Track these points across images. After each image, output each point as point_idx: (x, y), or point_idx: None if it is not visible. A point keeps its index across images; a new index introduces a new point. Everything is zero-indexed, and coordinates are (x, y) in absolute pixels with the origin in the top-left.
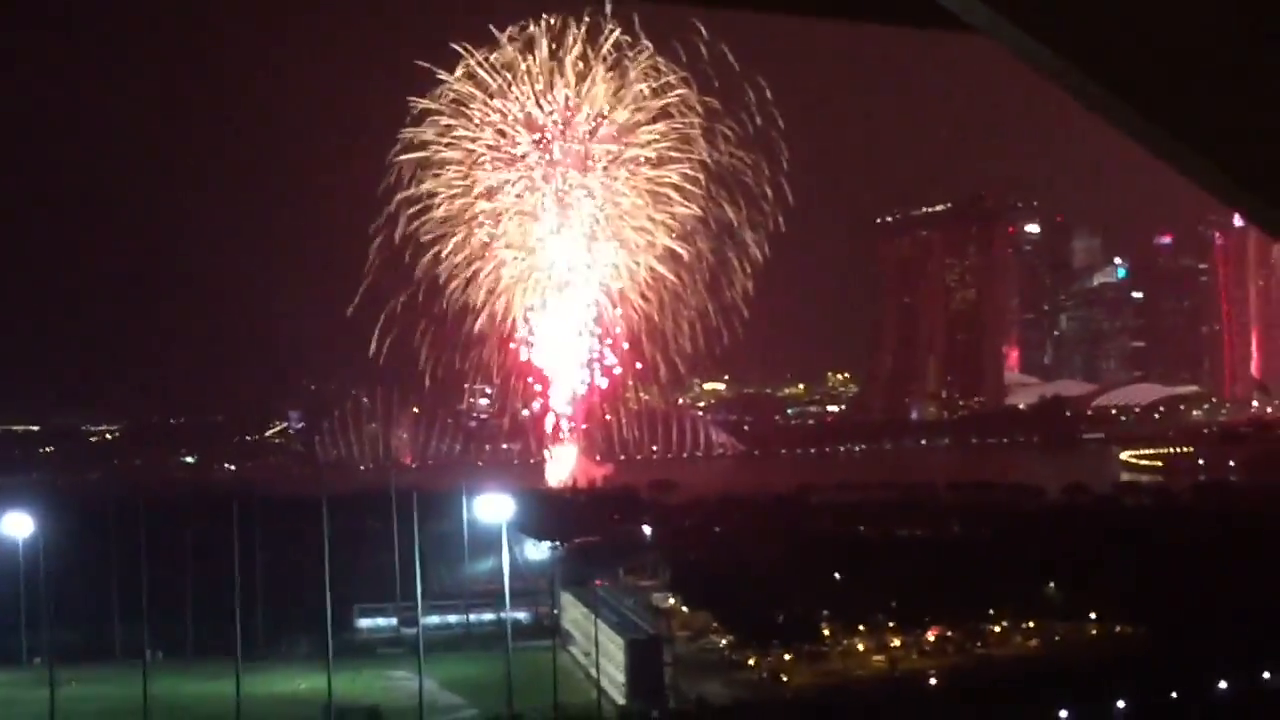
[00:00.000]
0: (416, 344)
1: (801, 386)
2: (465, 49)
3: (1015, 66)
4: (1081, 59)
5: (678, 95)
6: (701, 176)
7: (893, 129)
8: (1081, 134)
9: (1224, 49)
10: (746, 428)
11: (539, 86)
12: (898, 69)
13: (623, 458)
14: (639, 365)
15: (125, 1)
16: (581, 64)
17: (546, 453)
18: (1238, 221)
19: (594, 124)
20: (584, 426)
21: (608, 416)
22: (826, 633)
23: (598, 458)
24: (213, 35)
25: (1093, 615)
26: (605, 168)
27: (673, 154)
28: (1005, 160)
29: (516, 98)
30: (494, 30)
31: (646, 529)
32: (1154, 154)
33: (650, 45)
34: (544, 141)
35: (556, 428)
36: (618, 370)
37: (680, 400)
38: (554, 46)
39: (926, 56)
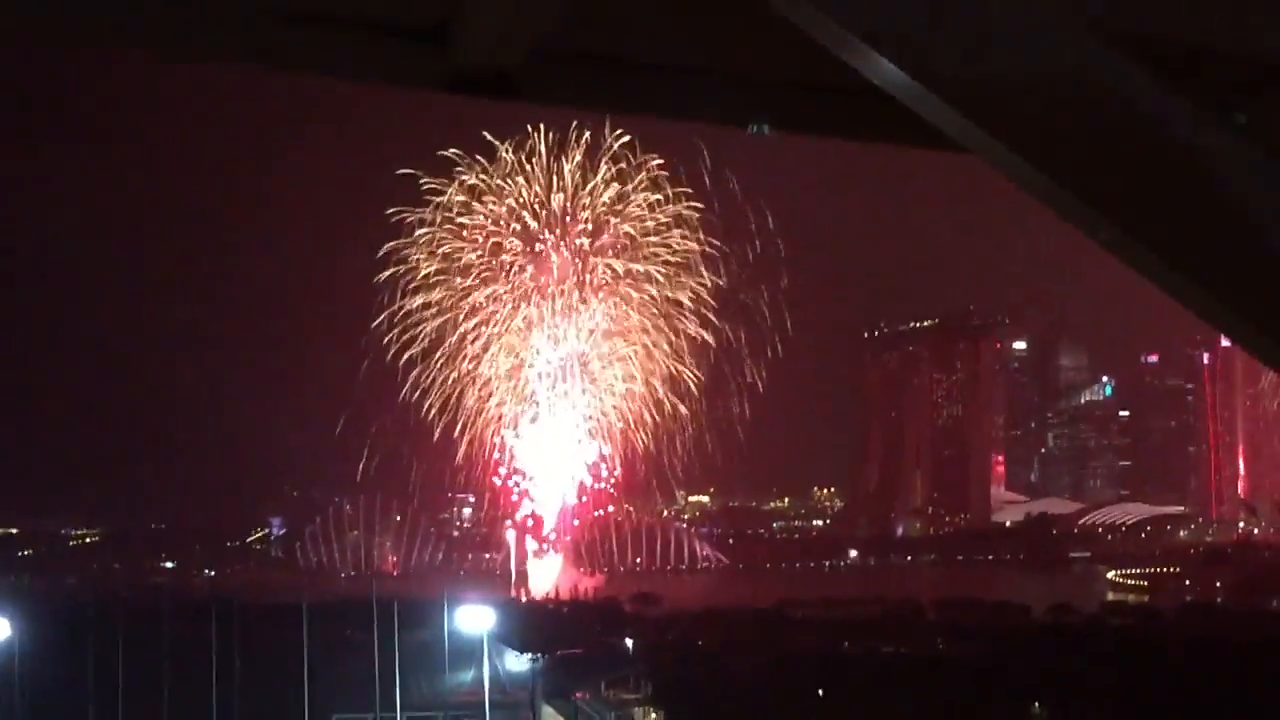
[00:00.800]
0: (402, 453)
1: (786, 501)
2: (456, 155)
3: (1003, 185)
4: (1072, 183)
5: (680, 209)
6: (702, 295)
7: (880, 245)
8: (1069, 252)
9: (1217, 169)
10: (731, 541)
11: (535, 194)
12: (885, 185)
13: (606, 570)
14: (616, 479)
15: (115, 110)
16: (579, 174)
17: (530, 562)
18: (1225, 342)
19: (592, 233)
20: (568, 538)
21: (595, 528)
22: None
23: (584, 569)
24: (204, 149)
25: None
26: (603, 282)
27: (674, 272)
28: (992, 277)
29: (511, 207)
30: (489, 136)
31: (629, 642)
32: (1143, 275)
33: (656, 159)
34: (539, 252)
35: (541, 538)
36: (602, 485)
37: (665, 512)
38: (551, 156)
39: (916, 172)
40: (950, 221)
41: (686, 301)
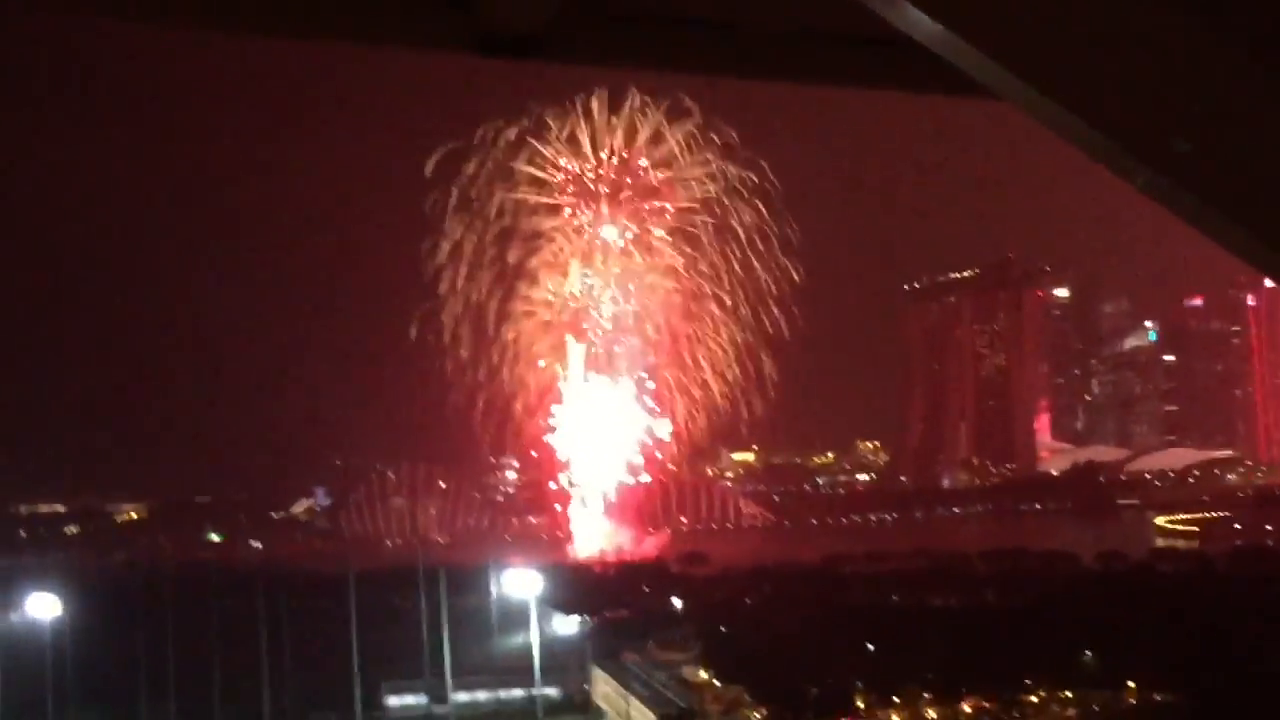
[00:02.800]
0: (446, 416)
1: (831, 456)
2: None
3: (1040, 132)
4: (1109, 128)
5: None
6: (739, 250)
7: (918, 195)
8: (1109, 197)
9: (1252, 110)
10: (776, 498)
11: (584, 146)
12: (922, 135)
13: (653, 530)
14: (671, 439)
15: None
16: (618, 133)
17: (576, 524)
18: (1269, 283)
19: (635, 175)
20: (614, 499)
21: (642, 488)
22: (861, 705)
23: (631, 530)
24: (242, 120)
25: (1131, 684)
26: (642, 221)
27: (707, 217)
28: (1032, 225)
29: (559, 154)
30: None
31: (677, 602)
32: (1182, 218)
33: (695, 112)
34: (588, 194)
35: (586, 500)
36: (650, 442)
37: (709, 471)
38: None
39: (951, 120)
40: (988, 170)
41: (720, 247)
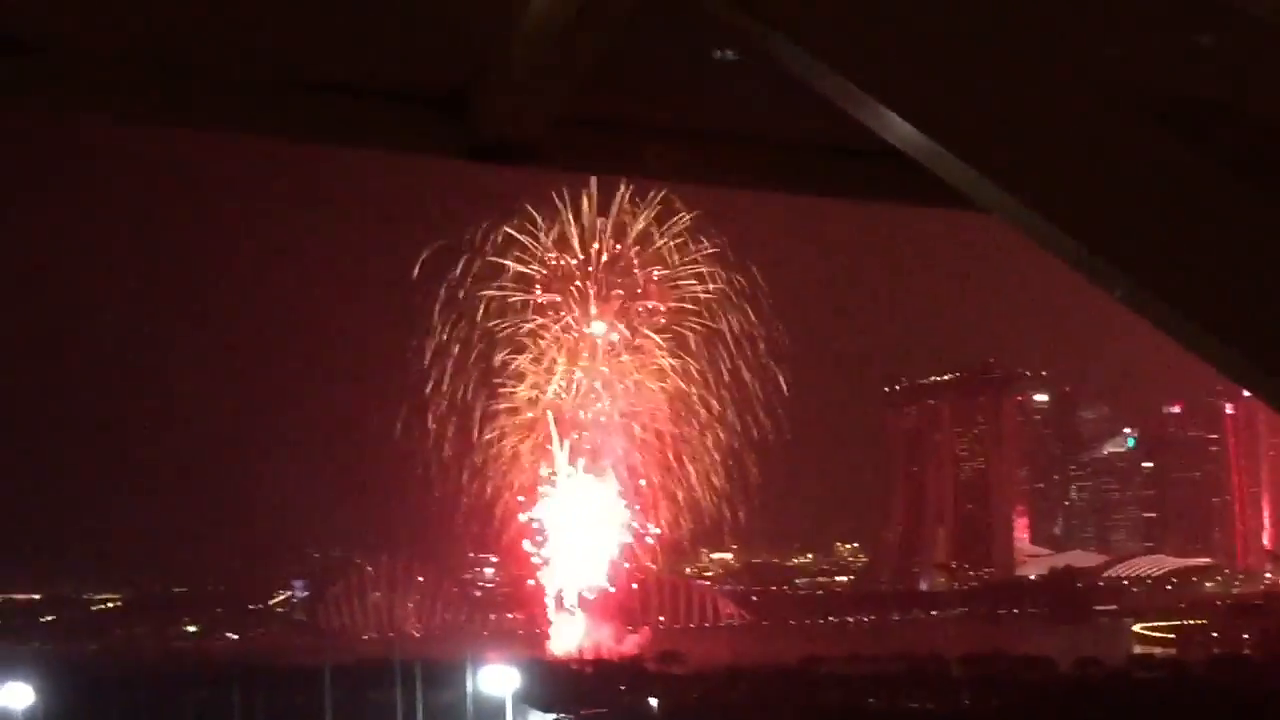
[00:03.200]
0: (427, 512)
1: (810, 557)
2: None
3: (1021, 241)
4: (1090, 239)
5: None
6: (727, 354)
7: (901, 299)
8: (1089, 304)
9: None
10: (755, 598)
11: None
12: (906, 241)
13: (631, 629)
14: (655, 538)
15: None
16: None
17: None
18: (1247, 392)
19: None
20: (591, 597)
21: (621, 588)
22: None
23: (609, 628)
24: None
25: None
26: (630, 320)
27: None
28: (1012, 329)
29: (543, 254)
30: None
31: (654, 701)
32: (1162, 330)
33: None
34: (577, 292)
35: (564, 598)
36: (630, 541)
37: (688, 570)
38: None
39: (933, 230)
40: (969, 276)
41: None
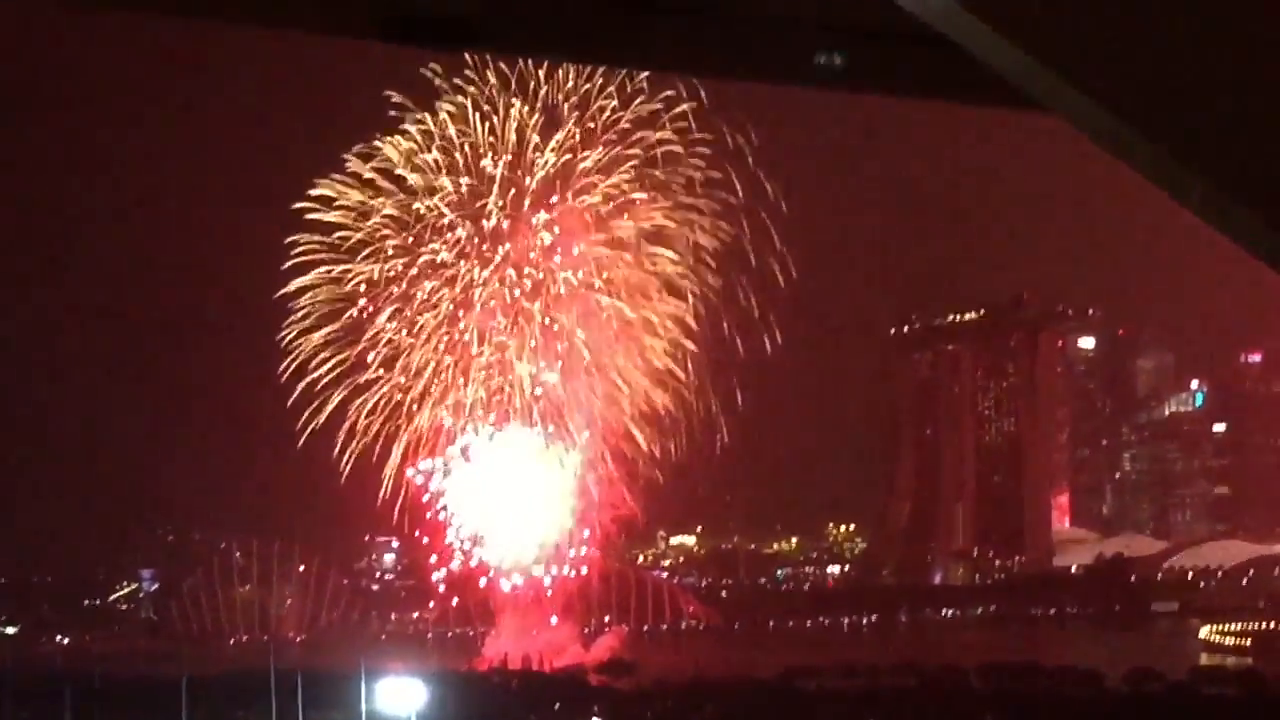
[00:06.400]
0: (307, 485)
1: (794, 541)
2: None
3: (1067, 148)
4: (1163, 134)
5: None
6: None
7: (912, 217)
8: (1151, 226)
9: None
10: (724, 593)
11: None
12: (916, 149)
13: (566, 631)
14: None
15: None
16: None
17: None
18: None
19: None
20: (517, 590)
21: (571, 575)
22: None
23: (538, 629)
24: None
25: None
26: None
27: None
28: (1053, 257)
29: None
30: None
31: None
32: (1242, 244)
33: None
34: (479, 209)
35: (483, 591)
36: (568, 520)
37: (640, 558)
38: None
39: (954, 128)
40: (996, 193)
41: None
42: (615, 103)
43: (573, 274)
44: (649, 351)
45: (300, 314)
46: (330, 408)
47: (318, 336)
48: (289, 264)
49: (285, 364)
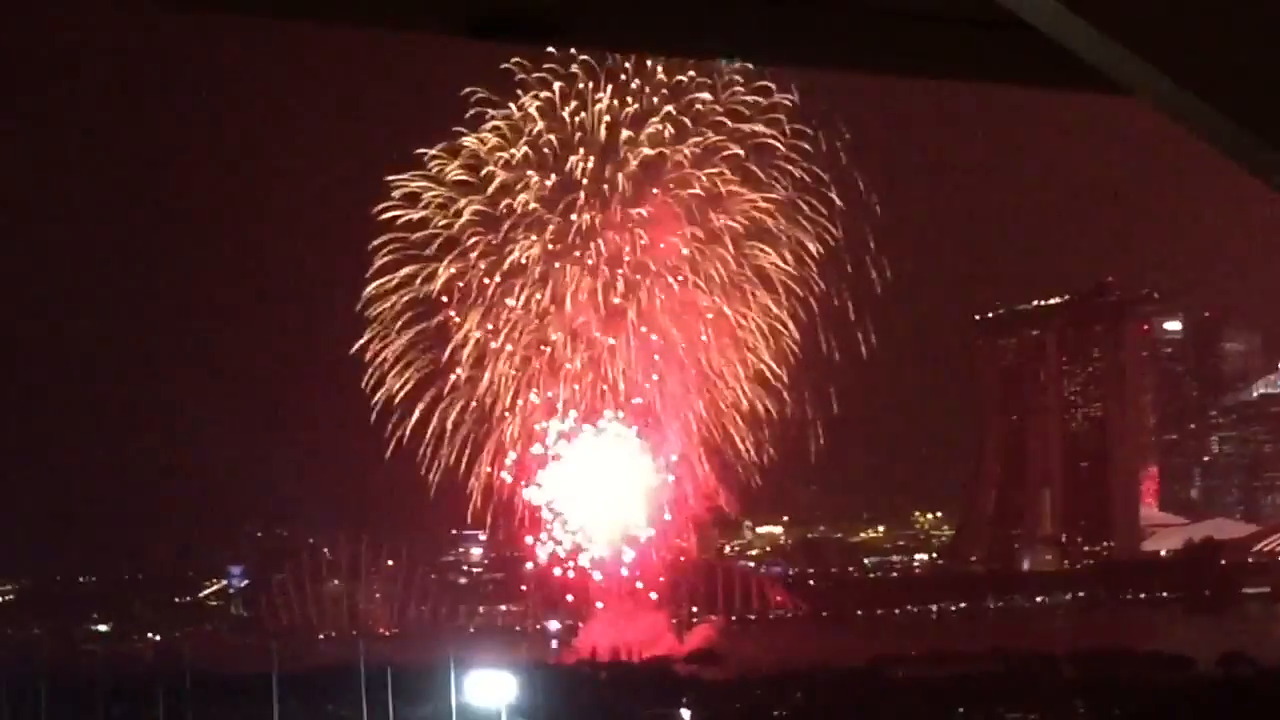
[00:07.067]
0: (396, 480)
1: (881, 530)
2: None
3: (1150, 131)
4: (1250, 118)
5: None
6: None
7: (998, 203)
8: (1235, 207)
9: None
10: (811, 582)
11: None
12: (1003, 131)
13: (655, 622)
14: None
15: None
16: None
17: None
18: None
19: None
20: (605, 584)
21: (645, 571)
22: None
23: (630, 621)
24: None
25: None
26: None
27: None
28: (1137, 241)
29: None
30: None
31: (685, 713)
32: None
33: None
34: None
35: (575, 584)
36: (656, 512)
37: (726, 548)
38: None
39: (1041, 117)
40: (1080, 178)
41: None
42: (707, 95)
43: (666, 270)
44: (744, 348)
45: (386, 314)
46: (420, 406)
47: (405, 336)
48: (375, 267)
49: (372, 359)
